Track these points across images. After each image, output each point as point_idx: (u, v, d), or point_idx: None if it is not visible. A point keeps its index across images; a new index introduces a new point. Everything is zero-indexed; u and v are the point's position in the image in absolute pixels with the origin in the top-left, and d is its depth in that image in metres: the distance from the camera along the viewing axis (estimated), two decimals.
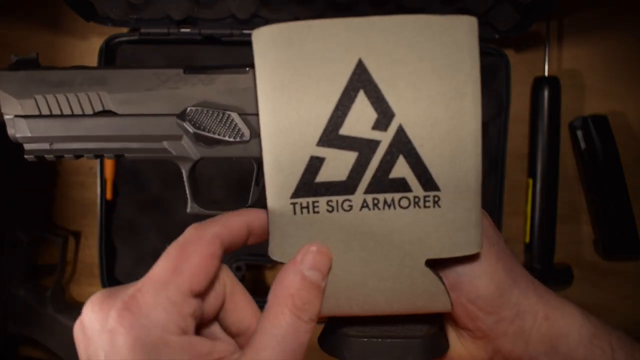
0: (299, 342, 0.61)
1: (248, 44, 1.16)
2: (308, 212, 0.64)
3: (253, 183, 0.76)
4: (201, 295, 0.64)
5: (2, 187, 1.15)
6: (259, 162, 0.72)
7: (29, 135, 0.71)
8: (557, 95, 1.26)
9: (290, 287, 0.63)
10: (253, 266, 1.34)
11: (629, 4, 1.25)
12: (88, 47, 1.31)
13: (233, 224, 0.67)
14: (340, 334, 0.72)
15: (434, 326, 0.73)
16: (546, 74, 1.27)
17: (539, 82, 1.26)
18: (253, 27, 1.15)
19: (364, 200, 0.63)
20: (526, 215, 1.30)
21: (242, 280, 1.31)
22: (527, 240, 1.29)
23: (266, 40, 0.62)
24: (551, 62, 1.27)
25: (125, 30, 1.23)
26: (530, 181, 1.28)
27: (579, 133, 1.26)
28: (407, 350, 0.71)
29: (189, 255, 0.63)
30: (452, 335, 0.76)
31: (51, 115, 0.70)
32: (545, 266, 1.26)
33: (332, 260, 0.65)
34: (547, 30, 1.26)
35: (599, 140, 1.24)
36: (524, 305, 0.71)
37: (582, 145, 1.26)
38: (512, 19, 1.16)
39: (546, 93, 1.25)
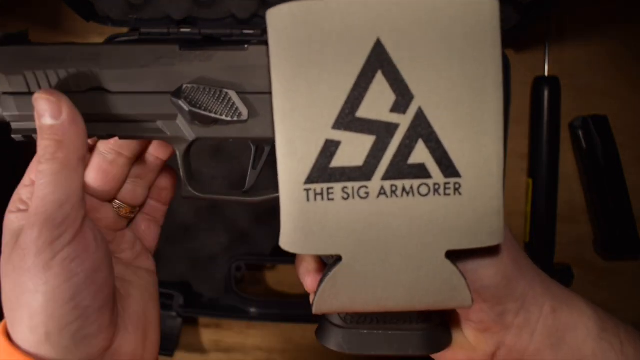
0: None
1: (248, 43, 1.12)
2: (322, 198, 0.59)
3: (250, 166, 0.72)
4: None
5: (2, 187, 1.10)
6: (257, 143, 0.69)
7: (17, 113, 0.66)
8: (557, 95, 1.22)
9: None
10: (253, 266, 1.30)
11: (629, 4, 1.21)
12: None
13: None
14: (338, 326, 0.68)
15: (436, 319, 0.69)
16: (546, 74, 1.22)
17: (539, 82, 1.22)
18: (253, 27, 1.11)
19: (382, 187, 0.58)
20: (526, 215, 1.26)
21: (242, 280, 1.28)
22: (527, 240, 1.26)
23: (282, 19, 0.57)
24: (551, 62, 1.23)
25: (125, 30, 1.18)
26: (530, 181, 1.24)
27: (579, 133, 1.22)
28: (408, 343, 0.68)
29: None
30: (455, 327, 0.72)
31: None
32: (545, 266, 1.21)
33: (59, 102, 0.63)
34: (547, 30, 1.22)
35: (599, 140, 1.20)
36: (529, 297, 0.67)
37: (583, 145, 1.21)
38: (512, 19, 1.11)
39: (546, 93, 1.21)
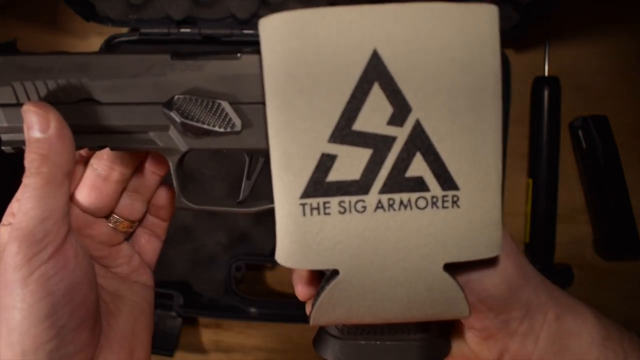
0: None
1: (248, 43, 1.11)
2: (319, 213, 0.57)
3: (244, 177, 0.71)
4: None
5: (2, 187, 1.09)
6: (251, 154, 0.68)
7: (6, 125, 0.65)
8: (557, 95, 1.20)
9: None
10: (253, 266, 1.29)
11: (629, 4, 1.20)
12: (88, 47, 1.26)
13: None
14: (335, 337, 0.67)
15: (435, 329, 0.68)
16: (546, 74, 1.21)
17: (539, 82, 1.21)
18: (253, 27, 1.11)
19: (379, 201, 0.57)
20: (526, 215, 1.25)
21: (242, 280, 1.28)
22: (527, 240, 1.24)
23: (275, 29, 0.55)
24: (551, 62, 1.21)
25: (125, 30, 1.18)
26: (530, 181, 1.23)
27: (579, 133, 1.21)
28: (406, 353, 0.66)
29: None
30: (457, 335, 0.71)
31: None
32: (545, 266, 1.22)
33: (47, 115, 0.62)
34: (547, 30, 1.21)
35: (599, 140, 1.19)
36: (534, 304, 0.65)
37: (583, 145, 1.20)
38: (512, 19, 1.10)
39: (546, 93, 1.20)
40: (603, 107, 1.22)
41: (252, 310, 1.24)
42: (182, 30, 1.14)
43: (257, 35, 1.07)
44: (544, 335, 0.66)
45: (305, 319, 1.22)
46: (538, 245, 1.23)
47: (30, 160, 0.61)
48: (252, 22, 1.12)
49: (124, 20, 1.14)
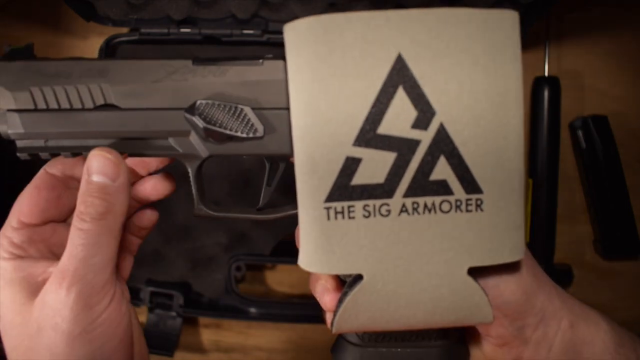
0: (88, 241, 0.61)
1: (248, 43, 1.11)
2: (343, 217, 0.57)
3: (264, 184, 0.70)
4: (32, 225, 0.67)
5: (2, 187, 1.09)
6: (272, 160, 0.68)
7: (22, 131, 0.64)
8: (557, 95, 1.20)
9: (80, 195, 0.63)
10: (253, 266, 1.29)
11: (629, 4, 1.20)
12: (88, 47, 1.25)
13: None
14: (356, 344, 0.67)
15: (454, 335, 0.67)
16: (546, 74, 1.21)
17: (539, 82, 1.21)
18: (253, 27, 1.10)
19: (403, 205, 0.57)
20: (526, 215, 1.22)
21: (242, 280, 1.27)
22: (527, 240, 1.24)
23: (301, 33, 0.56)
24: (551, 62, 1.22)
25: (125, 30, 1.17)
26: (531, 181, 1.23)
27: (579, 133, 1.20)
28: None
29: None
30: (473, 342, 0.70)
31: (47, 110, 0.63)
32: (545, 266, 1.21)
33: (119, 165, 0.63)
34: (547, 30, 1.21)
35: (599, 140, 1.19)
36: (548, 311, 0.65)
37: (583, 145, 1.20)
38: None
39: (546, 93, 1.20)
40: (603, 107, 1.22)
41: (252, 310, 1.24)
42: (182, 30, 1.13)
43: (256, 35, 1.08)
44: (557, 343, 0.66)
45: (305, 318, 1.22)
46: (538, 245, 1.23)
47: (93, 205, 0.61)
48: (252, 22, 1.12)
49: (124, 20, 1.13)
